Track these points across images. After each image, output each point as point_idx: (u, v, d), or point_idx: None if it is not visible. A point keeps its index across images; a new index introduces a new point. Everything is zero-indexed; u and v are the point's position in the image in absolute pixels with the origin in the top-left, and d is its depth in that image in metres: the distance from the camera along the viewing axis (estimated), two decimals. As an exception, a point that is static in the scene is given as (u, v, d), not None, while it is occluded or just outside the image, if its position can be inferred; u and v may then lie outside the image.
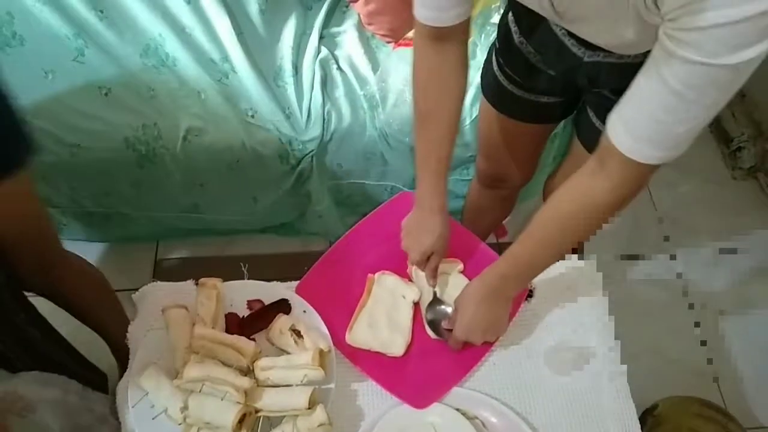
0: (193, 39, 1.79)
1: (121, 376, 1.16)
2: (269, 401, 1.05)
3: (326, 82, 1.83)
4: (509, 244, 1.06)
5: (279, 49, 1.88)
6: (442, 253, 1.21)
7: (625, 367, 1.18)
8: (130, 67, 1.76)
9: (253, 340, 1.13)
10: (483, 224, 1.81)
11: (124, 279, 1.95)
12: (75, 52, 1.73)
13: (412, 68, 1.10)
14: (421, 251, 1.18)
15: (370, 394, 1.14)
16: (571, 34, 1.04)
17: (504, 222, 2.07)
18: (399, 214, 1.25)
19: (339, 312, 1.20)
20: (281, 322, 1.14)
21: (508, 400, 1.13)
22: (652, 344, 1.96)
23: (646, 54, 0.79)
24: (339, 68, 1.87)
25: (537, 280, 1.25)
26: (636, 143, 0.82)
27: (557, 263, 1.26)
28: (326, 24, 1.96)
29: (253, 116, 1.76)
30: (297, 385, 1.06)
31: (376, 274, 1.25)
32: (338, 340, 1.15)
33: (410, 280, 1.25)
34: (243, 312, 1.19)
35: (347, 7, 2.00)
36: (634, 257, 2.21)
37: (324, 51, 1.88)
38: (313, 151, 1.77)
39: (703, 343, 2.02)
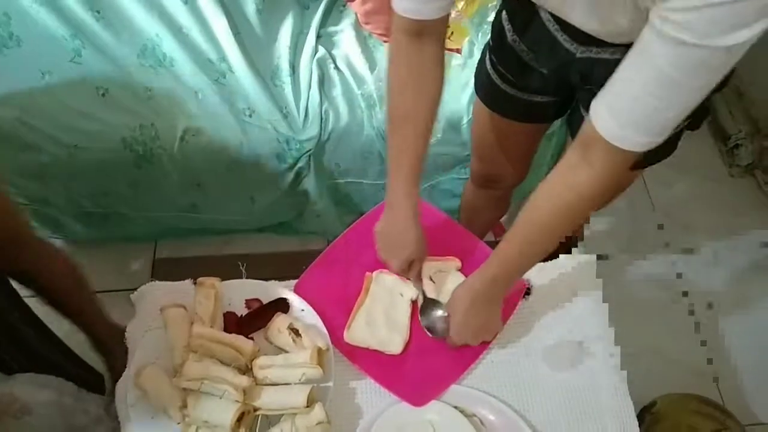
0: (190, 39, 1.79)
1: (109, 371, 1.16)
2: (268, 400, 1.05)
3: (323, 82, 1.83)
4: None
5: (276, 48, 1.88)
6: (423, 259, 1.21)
7: (623, 364, 1.18)
8: (127, 67, 1.76)
9: (252, 339, 1.14)
10: (479, 223, 1.81)
11: (122, 279, 1.95)
12: (72, 52, 1.72)
13: (389, 65, 1.08)
14: (401, 260, 1.18)
15: (368, 392, 1.14)
16: (564, 30, 1.04)
17: (501, 220, 2.07)
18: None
19: (337, 310, 1.20)
20: (279, 320, 1.14)
21: (507, 398, 1.14)
22: (651, 342, 1.96)
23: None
24: (336, 67, 1.87)
25: (535, 279, 1.25)
26: (621, 129, 0.82)
27: (555, 261, 1.28)
28: (323, 23, 1.96)
29: (250, 116, 1.76)
30: (295, 384, 1.06)
31: (374, 273, 1.25)
32: (336, 338, 1.15)
33: (408, 279, 1.25)
34: (241, 311, 1.19)
35: (344, 6, 2.00)
36: (631, 255, 2.21)
37: (321, 50, 1.88)
38: (310, 150, 1.77)
39: (702, 342, 2.02)
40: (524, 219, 1.01)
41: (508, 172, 1.55)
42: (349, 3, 1.95)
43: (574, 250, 1.32)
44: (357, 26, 1.95)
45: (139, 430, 1.04)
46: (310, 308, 1.18)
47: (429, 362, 1.16)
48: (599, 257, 1.30)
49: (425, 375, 1.15)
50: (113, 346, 1.41)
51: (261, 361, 1.09)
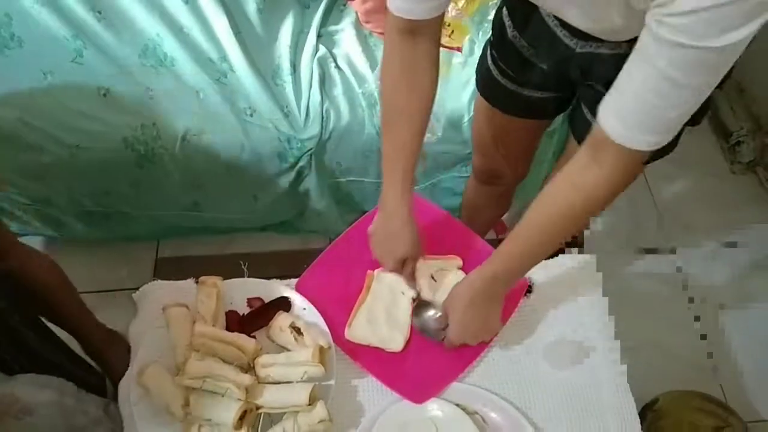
0: (191, 39, 1.79)
1: (106, 374, 1.16)
2: (270, 398, 1.05)
3: (324, 81, 1.83)
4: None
5: (277, 47, 1.88)
6: (417, 258, 1.21)
7: (624, 362, 1.18)
8: (128, 67, 1.76)
9: (254, 337, 1.14)
10: (481, 221, 1.81)
11: (124, 278, 1.96)
12: (73, 53, 1.73)
13: (382, 64, 1.08)
14: (395, 259, 1.18)
15: (370, 390, 1.14)
16: (563, 26, 1.04)
17: (503, 218, 2.07)
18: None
19: (338, 309, 1.20)
20: (281, 319, 1.14)
21: (508, 396, 1.14)
22: (652, 339, 1.96)
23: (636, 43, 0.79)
24: (337, 66, 1.87)
25: (536, 276, 1.25)
26: (628, 130, 0.83)
27: (556, 259, 1.28)
28: (324, 22, 1.96)
29: (251, 115, 1.77)
30: (297, 382, 1.06)
31: (375, 271, 1.25)
32: (338, 336, 1.16)
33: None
34: (243, 310, 1.19)
35: (345, 5, 2.00)
36: (633, 252, 2.20)
37: (322, 49, 1.88)
38: (311, 149, 1.78)
39: (703, 337, 2.02)
40: (529, 218, 1.00)
41: (509, 167, 1.55)
42: (349, 2, 1.95)
43: (573, 250, 1.32)
44: (357, 25, 1.95)
45: (142, 429, 1.05)
46: (312, 307, 1.18)
47: (430, 360, 1.16)
48: (600, 254, 1.30)
49: (426, 373, 1.15)
50: (105, 349, 1.42)
51: (263, 359, 1.09)
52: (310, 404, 1.03)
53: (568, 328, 1.22)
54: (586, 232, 1.92)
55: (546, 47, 1.11)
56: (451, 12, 1.86)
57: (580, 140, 1.28)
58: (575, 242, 1.65)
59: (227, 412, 1.01)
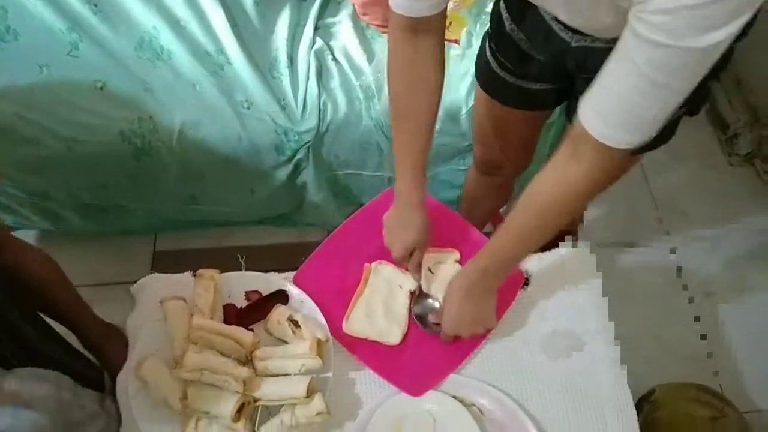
0: (187, 31, 1.78)
1: (104, 367, 1.16)
2: (268, 390, 1.06)
3: (321, 73, 1.82)
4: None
5: (274, 40, 1.87)
6: (425, 248, 1.22)
7: (621, 353, 1.19)
8: (124, 60, 1.75)
9: (251, 330, 1.14)
10: (479, 213, 1.81)
11: (122, 271, 1.95)
12: (69, 46, 1.72)
13: (388, 61, 1.09)
14: (403, 247, 1.18)
15: (367, 383, 1.15)
16: (558, 20, 1.04)
17: (501, 211, 2.07)
18: (395, 205, 1.25)
19: (336, 302, 1.20)
20: (279, 312, 1.15)
21: (505, 387, 1.14)
22: (649, 331, 1.96)
23: None
24: (334, 59, 1.86)
25: (533, 268, 1.26)
26: (608, 128, 0.83)
27: (553, 251, 1.28)
28: (321, 15, 1.96)
29: (248, 108, 1.76)
30: (295, 375, 1.07)
31: (373, 264, 1.25)
32: (335, 329, 1.16)
33: (407, 270, 1.26)
34: (241, 303, 1.20)
35: (342, -3, 1.99)
36: (630, 244, 2.21)
37: (319, 42, 1.87)
38: (309, 142, 1.77)
39: (701, 332, 2.03)
40: (517, 211, 1.01)
41: (509, 158, 1.55)
42: (346, -6, 1.95)
43: (569, 241, 1.32)
44: (354, 17, 1.94)
45: (141, 422, 1.05)
46: (310, 299, 1.18)
47: (427, 353, 1.17)
48: (596, 245, 1.30)
49: (424, 365, 1.15)
50: (103, 343, 1.42)
51: (261, 352, 1.10)
52: (307, 397, 1.03)
53: (565, 319, 1.22)
54: (583, 223, 1.92)
55: (542, 41, 1.11)
56: (449, 4, 1.85)
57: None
58: (571, 233, 1.66)
59: (225, 404, 1.02)
